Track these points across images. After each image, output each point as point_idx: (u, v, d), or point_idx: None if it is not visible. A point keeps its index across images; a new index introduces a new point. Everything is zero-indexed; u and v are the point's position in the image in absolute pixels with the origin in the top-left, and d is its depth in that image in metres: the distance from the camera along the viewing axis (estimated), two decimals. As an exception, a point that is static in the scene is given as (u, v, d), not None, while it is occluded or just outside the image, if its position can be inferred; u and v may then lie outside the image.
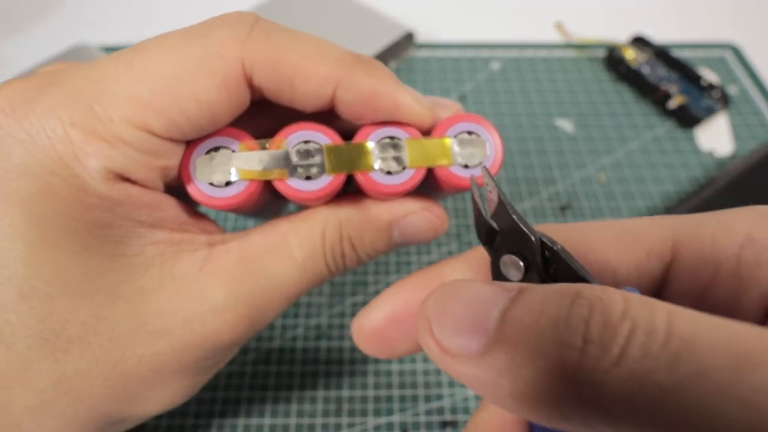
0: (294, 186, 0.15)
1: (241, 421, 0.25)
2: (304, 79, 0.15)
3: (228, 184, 0.15)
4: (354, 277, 0.30)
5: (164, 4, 0.49)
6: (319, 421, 0.25)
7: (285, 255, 0.16)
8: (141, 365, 0.15)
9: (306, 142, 0.16)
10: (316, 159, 0.15)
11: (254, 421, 0.25)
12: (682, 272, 0.14)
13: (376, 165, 0.16)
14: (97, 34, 0.45)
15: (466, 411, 0.26)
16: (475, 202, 0.15)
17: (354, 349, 0.27)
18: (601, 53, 0.44)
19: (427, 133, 0.17)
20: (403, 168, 0.16)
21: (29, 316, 0.14)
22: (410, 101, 0.16)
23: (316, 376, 0.27)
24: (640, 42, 0.42)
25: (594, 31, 0.45)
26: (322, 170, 0.15)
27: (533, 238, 0.13)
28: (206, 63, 0.14)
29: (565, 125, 0.38)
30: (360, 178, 0.16)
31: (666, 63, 0.41)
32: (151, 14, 0.48)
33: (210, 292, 0.16)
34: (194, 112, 0.14)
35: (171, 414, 0.25)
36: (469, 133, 0.16)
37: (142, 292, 0.15)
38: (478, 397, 0.26)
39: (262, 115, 0.17)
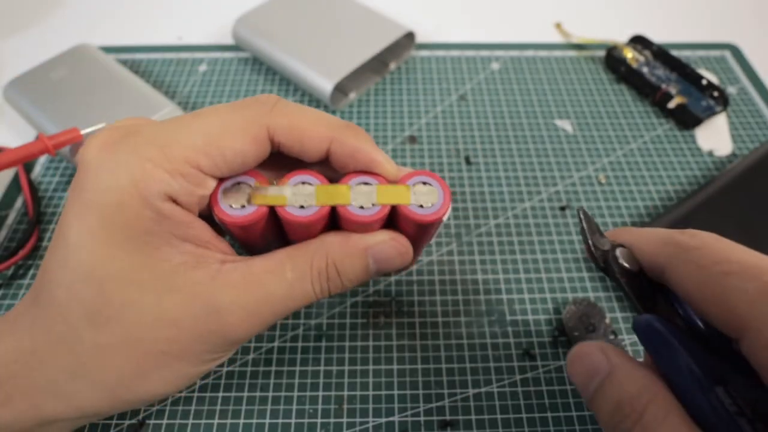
0: (291, 212, 0.20)
1: (241, 421, 0.25)
2: (309, 137, 0.20)
3: (243, 208, 0.20)
4: (354, 277, 0.30)
5: (163, 4, 0.49)
6: (319, 421, 0.25)
7: (279, 275, 0.20)
8: (155, 346, 0.19)
9: (303, 183, 0.21)
10: (309, 194, 0.20)
11: (255, 421, 0.25)
12: None
13: (353, 201, 0.20)
14: (97, 34, 0.45)
15: (466, 411, 0.26)
16: (585, 236, 0.21)
17: (354, 349, 0.28)
18: (601, 53, 0.44)
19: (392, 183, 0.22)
20: (373, 204, 0.21)
21: (84, 295, 0.19)
22: (381, 158, 0.21)
23: (316, 376, 0.27)
24: (640, 42, 0.42)
25: (594, 31, 0.45)
26: (312, 202, 0.20)
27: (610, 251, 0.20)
28: (243, 126, 0.19)
29: (565, 125, 0.38)
30: (340, 210, 0.20)
31: (666, 63, 0.41)
32: (151, 14, 0.48)
33: (218, 296, 0.19)
34: (231, 157, 0.19)
35: (172, 414, 0.25)
36: (425, 183, 0.21)
37: (165, 289, 0.19)
38: (477, 398, 0.26)
39: (277, 166, 0.22)
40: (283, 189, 0.21)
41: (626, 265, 0.19)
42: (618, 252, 0.20)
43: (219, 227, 0.22)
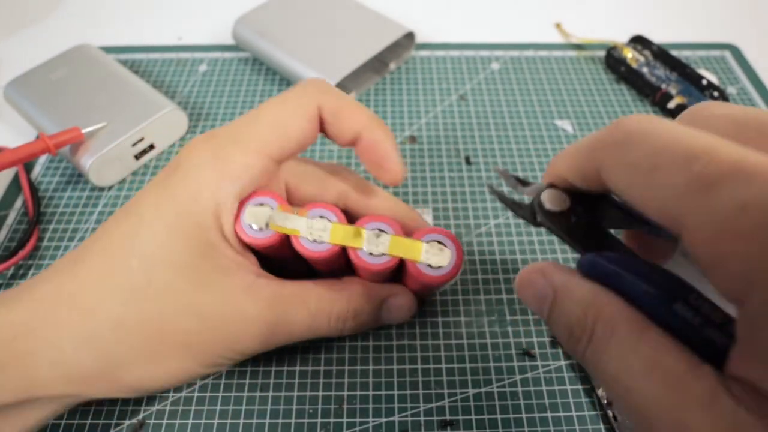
0: (304, 245, 0.21)
1: (241, 422, 0.25)
2: (348, 117, 0.22)
3: (261, 230, 0.21)
4: (354, 277, 0.30)
5: (163, 4, 0.49)
6: (319, 421, 0.25)
7: (303, 304, 0.22)
8: (175, 336, 0.21)
9: (321, 216, 0.22)
10: (324, 230, 0.21)
11: (255, 421, 0.25)
12: None
13: (365, 246, 0.21)
14: (97, 34, 0.45)
15: (466, 411, 0.26)
16: (504, 201, 0.21)
17: (354, 349, 0.28)
18: (601, 53, 0.44)
19: (408, 234, 0.22)
20: (382, 254, 0.21)
21: (147, 307, 0.20)
22: (395, 157, 0.23)
23: (316, 376, 0.27)
24: (640, 42, 0.42)
25: (594, 31, 0.45)
26: (325, 239, 0.21)
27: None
28: (301, 106, 0.22)
29: (565, 125, 0.38)
30: (351, 253, 0.21)
31: (666, 63, 0.41)
32: (151, 14, 0.48)
33: (247, 307, 0.21)
34: (294, 135, 0.22)
35: (172, 414, 0.25)
36: (439, 242, 0.22)
37: (203, 284, 0.21)
38: (477, 398, 0.26)
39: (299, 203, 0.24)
40: (300, 221, 0.21)
41: (550, 208, 0.18)
42: (543, 197, 0.18)
43: None
